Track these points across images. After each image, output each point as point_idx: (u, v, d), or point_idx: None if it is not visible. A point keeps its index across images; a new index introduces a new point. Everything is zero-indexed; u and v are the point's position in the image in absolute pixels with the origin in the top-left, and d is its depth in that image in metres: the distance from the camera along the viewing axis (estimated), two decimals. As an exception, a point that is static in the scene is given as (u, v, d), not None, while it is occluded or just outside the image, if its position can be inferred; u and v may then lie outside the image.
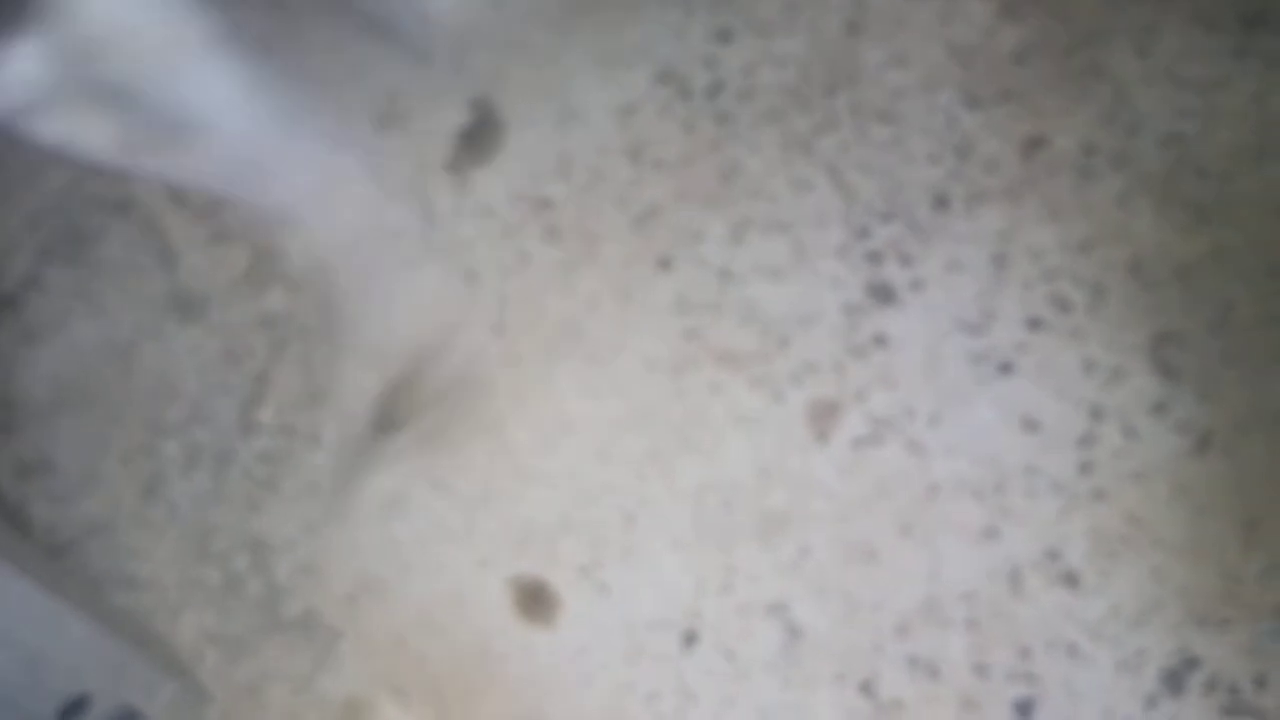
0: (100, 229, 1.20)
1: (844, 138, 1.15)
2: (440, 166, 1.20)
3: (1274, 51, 1.14)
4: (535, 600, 1.00)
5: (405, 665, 1.00)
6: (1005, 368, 1.02)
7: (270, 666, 1.00)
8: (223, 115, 1.21)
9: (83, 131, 1.14)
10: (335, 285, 1.16)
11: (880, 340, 1.05)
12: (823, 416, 1.03)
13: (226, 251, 1.18)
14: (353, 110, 1.24)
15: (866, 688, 0.92)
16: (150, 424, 1.11)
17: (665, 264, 1.12)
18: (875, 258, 1.09)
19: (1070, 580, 0.93)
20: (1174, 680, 0.89)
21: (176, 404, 1.12)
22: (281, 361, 1.12)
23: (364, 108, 1.24)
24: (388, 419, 1.10)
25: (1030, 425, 1.00)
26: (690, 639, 0.97)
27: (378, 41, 1.28)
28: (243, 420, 1.09)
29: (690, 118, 1.19)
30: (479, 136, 1.22)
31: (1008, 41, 1.17)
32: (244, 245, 1.17)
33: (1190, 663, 0.90)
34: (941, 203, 1.10)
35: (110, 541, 1.07)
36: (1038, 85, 1.14)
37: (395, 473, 1.07)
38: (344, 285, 1.15)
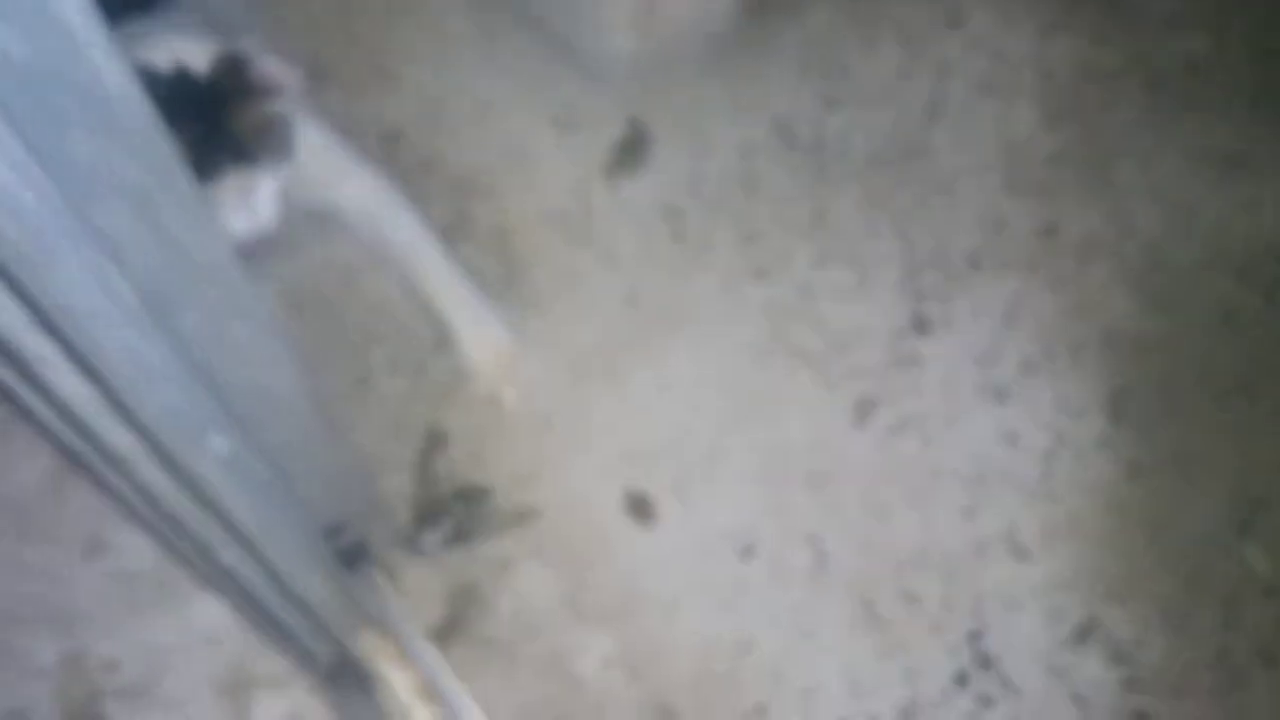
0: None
1: (910, 199, 1.42)
2: (599, 168, 1.46)
3: (1247, 190, 1.43)
4: (638, 505, 1.26)
5: (541, 537, 1.25)
6: (1001, 395, 1.31)
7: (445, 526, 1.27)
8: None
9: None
10: (512, 249, 1.45)
11: (914, 359, 1.34)
12: (864, 408, 1.31)
13: (431, 208, 1.41)
14: (538, 111, 1.53)
15: (867, 606, 1.21)
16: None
17: (761, 275, 1.40)
18: (920, 296, 1.38)
19: (1021, 554, 1.23)
20: (1082, 633, 1.19)
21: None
22: (468, 303, 1.41)
23: (546, 111, 1.51)
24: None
25: (1011, 439, 1.29)
26: (747, 552, 1.24)
27: (563, 59, 1.52)
28: (437, 341, 1.34)
29: (795, 164, 1.45)
30: (632, 149, 1.47)
31: (1045, 146, 1.46)
32: (446, 206, 1.45)
33: (1096, 622, 1.19)
34: (975, 263, 1.40)
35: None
36: (1061, 184, 1.43)
37: (546, 399, 1.32)
38: (520, 250, 1.45)
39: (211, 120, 1.13)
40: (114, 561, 1.25)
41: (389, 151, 1.47)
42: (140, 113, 0.58)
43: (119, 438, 0.62)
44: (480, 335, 1.35)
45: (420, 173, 1.46)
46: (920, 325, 1.36)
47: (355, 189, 1.35)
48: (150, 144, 0.60)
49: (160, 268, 0.65)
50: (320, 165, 1.31)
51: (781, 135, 1.48)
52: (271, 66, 1.15)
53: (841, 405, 1.32)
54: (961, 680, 1.18)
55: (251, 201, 1.20)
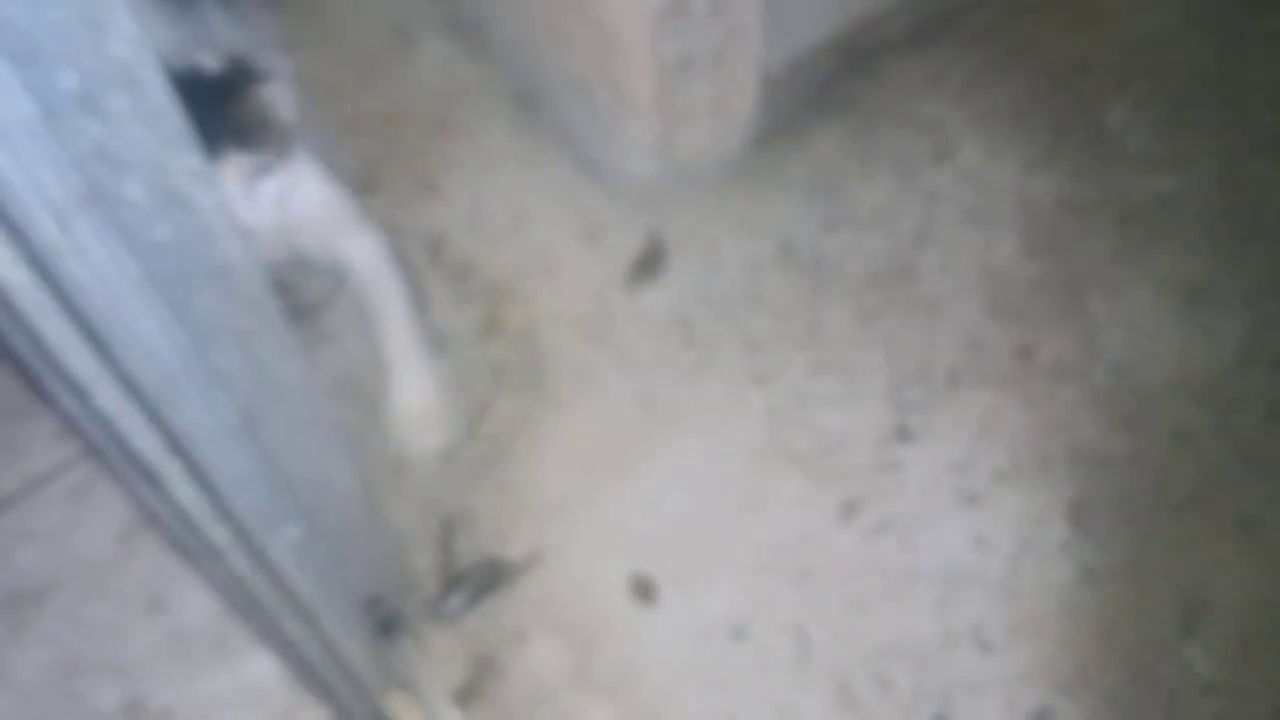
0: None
1: (897, 318, 1.56)
2: (620, 277, 1.61)
3: (1208, 318, 1.57)
4: (642, 588, 1.39)
5: (552, 613, 1.38)
6: (973, 500, 1.44)
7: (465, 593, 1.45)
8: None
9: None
10: (538, 347, 1.61)
11: (896, 465, 1.47)
12: (849, 508, 1.44)
13: (468, 308, 1.60)
14: (567, 223, 1.69)
15: (844, 689, 1.32)
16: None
17: (761, 381, 1.54)
18: (903, 407, 1.51)
19: (985, 646, 1.34)
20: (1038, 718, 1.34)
21: None
22: (498, 396, 1.53)
23: (574, 222, 1.66)
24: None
25: (981, 542, 1.41)
26: (738, 635, 1.36)
27: (591, 176, 1.69)
28: (468, 430, 1.50)
29: (796, 280, 1.60)
30: (649, 261, 1.63)
31: (1024, 273, 1.60)
32: (481, 307, 1.61)
33: (1049, 712, 1.30)
34: (954, 379, 1.53)
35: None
36: (1037, 309, 1.57)
37: (561, 488, 1.46)
38: (546, 349, 1.60)
39: (215, 103, 1.30)
40: (173, 618, 1.39)
41: (432, 255, 1.63)
42: (252, 277, 0.74)
43: (219, 533, 0.77)
44: (410, 392, 1.50)
45: (459, 275, 1.62)
46: (903, 434, 1.49)
47: (354, 243, 1.52)
48: (257, 300, 0.75)
49: (256, 393, 0.80)
50: (323, 214, 1.49)
51: (785, 253, 1.63)
52: (281, 96, 1.33)
53: (829, 505, 1.45)
54: (926, 760, 1.30)
55: (252, 190, 1.37)
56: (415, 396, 1.51)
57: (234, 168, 1.35)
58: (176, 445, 0.69)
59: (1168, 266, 1.61)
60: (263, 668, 1.33)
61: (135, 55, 0.55)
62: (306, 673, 1.07)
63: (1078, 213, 1.66)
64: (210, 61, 1.29)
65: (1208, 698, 1.33)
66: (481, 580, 1.40)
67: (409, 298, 1.53)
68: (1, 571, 1.42)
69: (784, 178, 1.69)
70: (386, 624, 1.29)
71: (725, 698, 1.34)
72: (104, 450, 0.65)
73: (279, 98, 1.34)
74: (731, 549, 1.43)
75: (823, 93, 1.74)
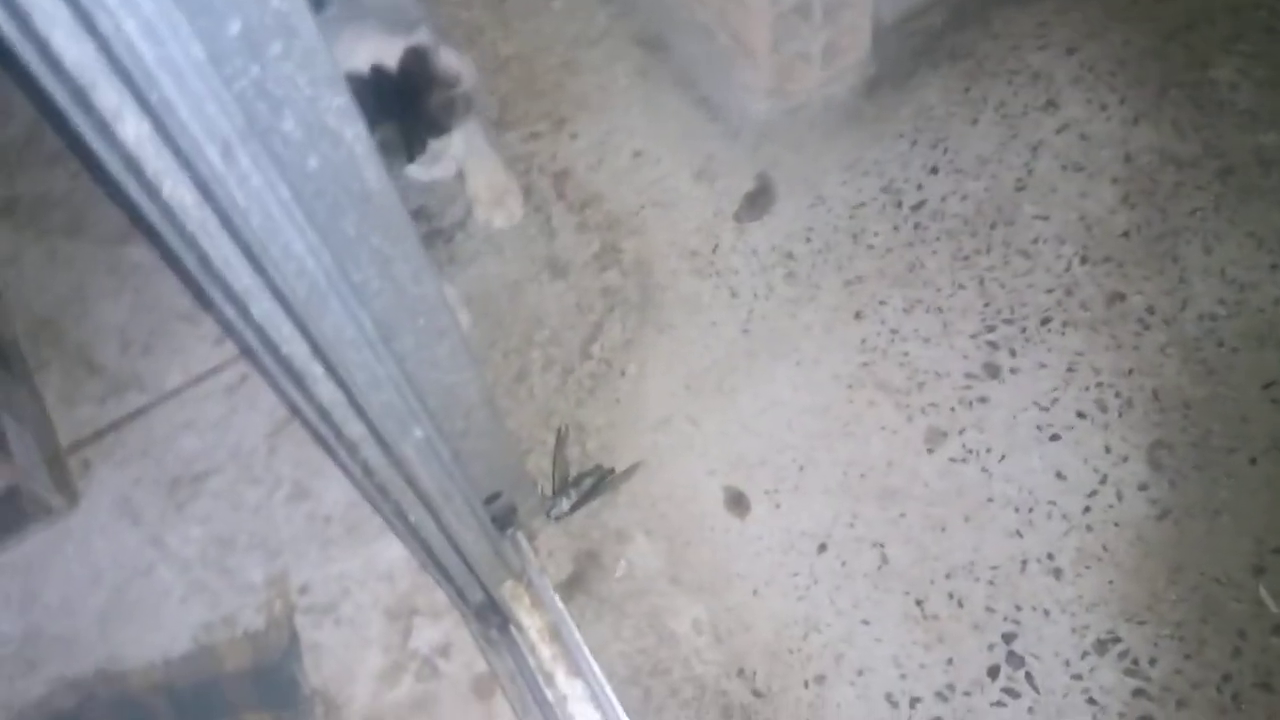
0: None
1: (993, 260, 1.56)
2: (729, 214, 1.64)
3: None
4: (735, 501, 1.44)
5: (653, 517, 1.44)
6: (1055, 437, 1.44)
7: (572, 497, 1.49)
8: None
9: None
10: (651, 276, 1.65)
11: (983, 400, 1.48)
12: (934, 438, 1.46)
13: (588, 238, 1.66)
14: (683, 161, 1.72)
15: (919, 604, 1.35)
16: (524, 337, 1.59)
17: (859, 316, 1.55)
18: (994, 346, 1.51)
19: (1057, 573, 1.36)
20: (1102, 646, 1.31)
21: (542, 329, 1.58)
22: (610, 319, 1.58)
23: (690, 161, 1.69)
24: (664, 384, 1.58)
25: (1060, 476, 1.41)
26: (822, 548, 1.40)
27: (709, 117, 1.71)
28: (582, 349, 1.56)
29: (897, 221, 1.61)
30: (758, 200, 1.65)
31: (1120, 221, 1.58)
32: (600, 237, 1.66)
33: (1116, 638, 1.31)
34: (1046, 321, 1.52)
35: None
36: (1131, 258, 1.55)
37: (665, 405, 1.51)
38: (657, 277, 1.64)
39: (409, 106, 1.36)
40: (314, 504, 1.48)
41: (557, 188, 1.68)
42: (389, 199, 0.79)
43: (354, 429, 0.83)
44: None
45: (581, 207, 1.66)
46: (991, 370, 1.50)
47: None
48: (395, 221, 0.80)
49: (391, 307, 0.86)
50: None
51: (888, 195, 1.63)
52: (450, 58, 1.37)
53: (915, 433, 1.47)
54: (993, 674, 1.32)
55: (444, 161, 1.48)
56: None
57: (432, 152, 1.43)
58: (319, 351, 0.75)
59: (1264, 222, 1.56)
60: (391, 552, 1.42)
61: (291, 6, 0.60)
62: (429, 560, 1.14)
63: (1178, 166, 1.61)
64: (387, 56, 1.34)
65: (1276, 637, 1.32)
66: (588, 485, 1.46)
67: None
68: (167, 456, 1.53)
69: (891, 123, 1.68)
70: (502, 519, 1.36)
71: (805, 605, 1.38)
72: (257, 353, 0.71)
73: (456, 65, 1.38)
74: (820, 470, 1.46)
75: (932, 42, 1.72)
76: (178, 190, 0.59)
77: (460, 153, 1.51)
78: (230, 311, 0.67)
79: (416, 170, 1.47)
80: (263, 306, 0.68)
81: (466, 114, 1.43)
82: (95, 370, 1.61)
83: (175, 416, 1.56)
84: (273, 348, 0.71)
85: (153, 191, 0.57)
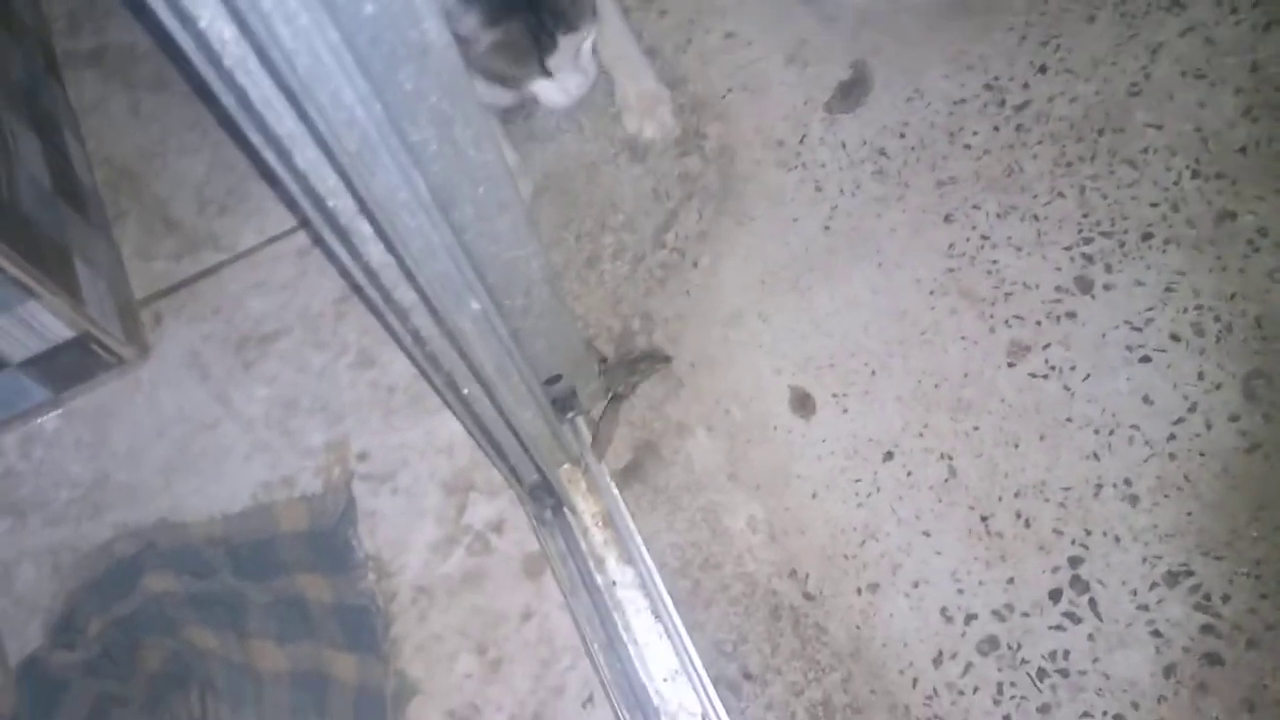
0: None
1: (1097, 169, 1.46)
2: (820, 104, 1.56)
3: None
4: (801, 402, 1.40)
5: (716, 413, 1.41)
6: (1145, 359, 1.36)
7: (639, 392, 1.42)
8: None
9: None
10: (732, 165, 1.58)
11: (1071, 315, 1.40)
12: (1016, 351, 1.39)
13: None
14: (775, 46, 1.63)
15: (984, 520, 1.31)
16: (596, 220, 1.54)
17: (948, 219, 1.47)
18: (1089, 259, 1.43)
19: (1133, 500, 1.30)
20: (1173, 578, 1.26)
21: (616, 213, 1.53)
22: (687, 207, 1.52)
23: (783, 46, 1.60)
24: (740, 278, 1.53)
25: (1147, 399, 1.34)
26: (888, 456, 1.36)
27: (805, 1, 1.63)
28: (655, 237, 1.51)
29: (998, 121, 1.51)
30: (851, 90, 1.56)
31: (1239, 135, 1.46)
32: (683, 120, 1.58)
33: (1187, 572, 1.26)
34: (1148, 236, 1.43)
35: (560, 284, 1.51)
36: (1247, 174, 1.43)
37: (737, 300, 1.46)
38: (740, 166, 1.58)
39: (536, 5, 1.29)
40: (378, 373, 1.47)
41: (642, 66, 1.60)
42: (452, 59, 0.74)
43: (404, 294, 0.81)
44: (633, 82, 1.56)
45: (666, 87, 1.59)
46: (1083, 285, 1.42)
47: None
48: (456, 81, 0.76)
49: (450, 171, 0.82)
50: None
51: (991, 92, 1.54)
52: None
53: (997, 345, 1.40)
54: (1055, 597, 1.28)
55: (580, 63, 1.40)
56: (640, 85, 1.57)
57: (564, 52, 1.35)
58: (367, 209, 0.72)
59: (1403, 144, 1.44)
60: (451, 426, 1.41)
61: None
62: (485, 437, 1.12)
63: (1312, 77, 1.49)
64: None
65: (1357, 583, 1.26)
66: (646, 373, 1.43)
67: (624, 25, 1.57)
68: (237, 315, 1.53)
69: (1001, 15, 1.57)
70: (562, 403, 1.34)
71: (865, 512, 1.34)
72: (301, 204, 0.68)
73: None
74: (894, 376, 1.41)
75: (1054, -72, 1.60)
76: (216, 21, 0.55)
77: (591, 59, 1.42)
78: (271, 156, 0.64)
79: (553, 92, 1.40)
80: (306, 156, 0.64)
81: (594, 12, 1.36)
82: (172, 225, 1.61)
83: (247, 276, 1.56)
84: (318, 199, 0.68)
85: (188, 21, 0.53)
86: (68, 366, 1.43)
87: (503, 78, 1.38)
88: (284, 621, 1.34)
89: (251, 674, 1.30)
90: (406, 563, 1.38)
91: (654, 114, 1.56)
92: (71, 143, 1.61)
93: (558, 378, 1.30)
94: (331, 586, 1.36)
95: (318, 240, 1.54)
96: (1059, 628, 1.27)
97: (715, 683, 1.25)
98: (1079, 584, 1.29)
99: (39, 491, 1.45)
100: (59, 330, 1.36)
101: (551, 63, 1.34)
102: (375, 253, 0.75)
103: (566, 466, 1.33)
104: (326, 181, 0.67)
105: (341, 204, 0.70)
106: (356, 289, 1.44)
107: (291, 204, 1.56)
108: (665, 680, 1.26)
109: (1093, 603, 1.28)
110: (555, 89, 1.39)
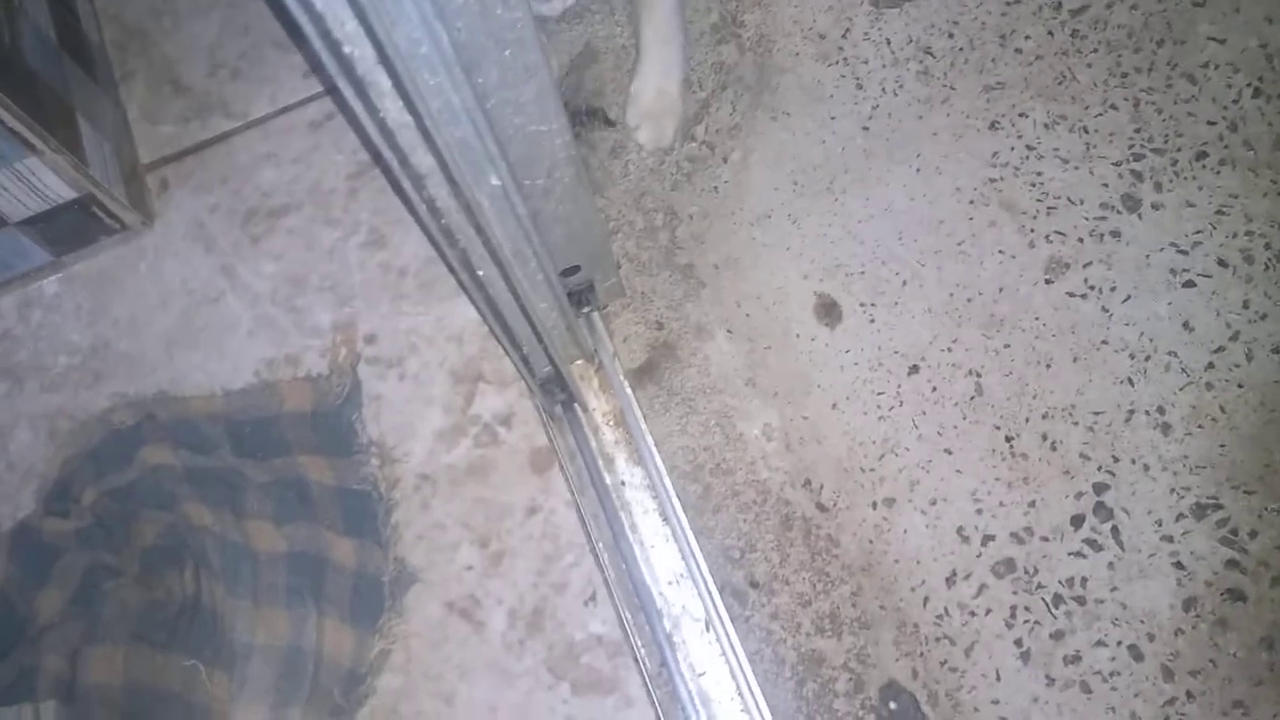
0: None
1: (1154, 82, 1.39)
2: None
3: None
4: (827, 309, 1.35)
5: (737, 316, 1.36)
6: (1189, 284, 1.31)
7: (659, 288, 1.38)
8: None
9: None
10: (770, 56, 1.51)
11: (1115, 234, 1.34)
12: (1055, 268, 1.34)
13: (706, 3, 1.50)
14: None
15: (1009, 440, 1.27)
16: (622, 107, 1.45)
17: (993, 126, 1.41)
18: (1138, 176, 1.37)
19: (1165, 428, 1.26)
20: (1200, 511, 1.23)
21: None
22: (720, 98, 1.45)
23: (828, -68, 1.55)
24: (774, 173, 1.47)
25: (1188, 326, 1.29)
26: (913, 370, 1.31)
27: None
28: (684, 129, 1.45)
29: (1053, 25, 1.43)
30: (900, -16, 1.51)
31: (1309, 53, 1.40)
32: (720, 7, 1.51)
33: (1216, 505, 1.22)
34: (1202, 156, 1.37)
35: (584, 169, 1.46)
36: (1313, 95, 1.38)
37: (767, 199, 1.40)
38: (777, 59, 1.51)
39: None
40: (389, 255, 1.42)
41: (680, -55, 1.52)
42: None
43: (422, 159, 0.75)
44: (657, 76, 1.43)
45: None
46: (1130, 203, 1.36)
47: None
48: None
49: (475, 31, 0.76)
50: None
51: (1048, -5, 1.46)
52: None
53: (1035, 261, 1.35)
54: (1077, 523, 1.25)
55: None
56: (664, 82, 1.44)
57: None
58: (386, 60, 0.66)
59: None
60: (462, 314, 1.37)
61: None
62: (499, 323, 1.07)
63: (1392, -5, 1.41)
64: None
65: (1391, 526, 1.22)
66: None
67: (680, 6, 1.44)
68: (245, 186, 1.47)
69: (1065, -89, 1.49)
70: (579, 296, 1.29)
71: (885, 425, 1.30)
72: (314, 47, 0.63)
73: None
74: (925, 287, 1.36)
75: None
76: None
77: None
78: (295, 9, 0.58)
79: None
80: (323, -5, 0.59)
81: None
82: (181, 89, 1.55)
83: (257, 146, 1.50)
84: (334, 45, 0.62)
85: None
86: (69, 229, 1.38)
87: None
88: (282, 502, 1.31)
89: (248, 553, 1.28)
90: (411, 450, 1.35)
91: (659, 122, 1.44)
92: (79, -3, 1.54)
93: (576, 269, 1.25)
94: (333, 469, 1.33)
95: (335, 97, 1.47)
96: (1079, 554, 1.24)
97: (721, 589, 1.23)
98: (1102, 511, 1.25)
99: (36, 356, 1.42)
100: (60, 190, 1.30)
101: None
102: (393, 109, 0.70)
103: (580, 362, 1.29)
104: (344, 25, 0.62)
105: (360, 52, 0.64)
106: (374, 155, 1.39)
107: (315, 65, 1.49)
108: (670, 583, 1.23)
109: (1115, 530, 1.24)
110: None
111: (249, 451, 1.34)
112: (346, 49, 0.64)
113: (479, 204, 0.86)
